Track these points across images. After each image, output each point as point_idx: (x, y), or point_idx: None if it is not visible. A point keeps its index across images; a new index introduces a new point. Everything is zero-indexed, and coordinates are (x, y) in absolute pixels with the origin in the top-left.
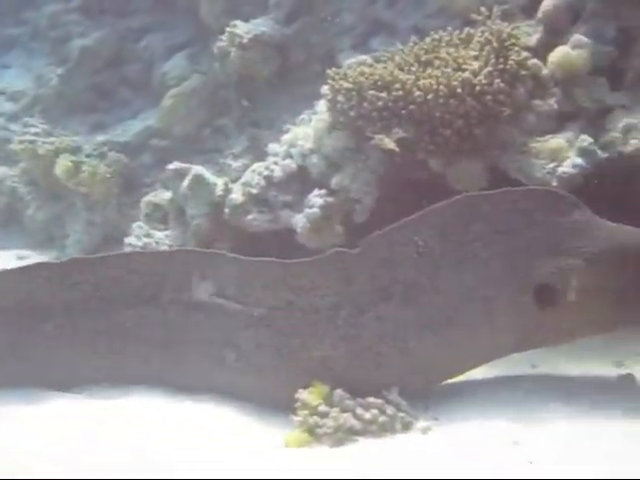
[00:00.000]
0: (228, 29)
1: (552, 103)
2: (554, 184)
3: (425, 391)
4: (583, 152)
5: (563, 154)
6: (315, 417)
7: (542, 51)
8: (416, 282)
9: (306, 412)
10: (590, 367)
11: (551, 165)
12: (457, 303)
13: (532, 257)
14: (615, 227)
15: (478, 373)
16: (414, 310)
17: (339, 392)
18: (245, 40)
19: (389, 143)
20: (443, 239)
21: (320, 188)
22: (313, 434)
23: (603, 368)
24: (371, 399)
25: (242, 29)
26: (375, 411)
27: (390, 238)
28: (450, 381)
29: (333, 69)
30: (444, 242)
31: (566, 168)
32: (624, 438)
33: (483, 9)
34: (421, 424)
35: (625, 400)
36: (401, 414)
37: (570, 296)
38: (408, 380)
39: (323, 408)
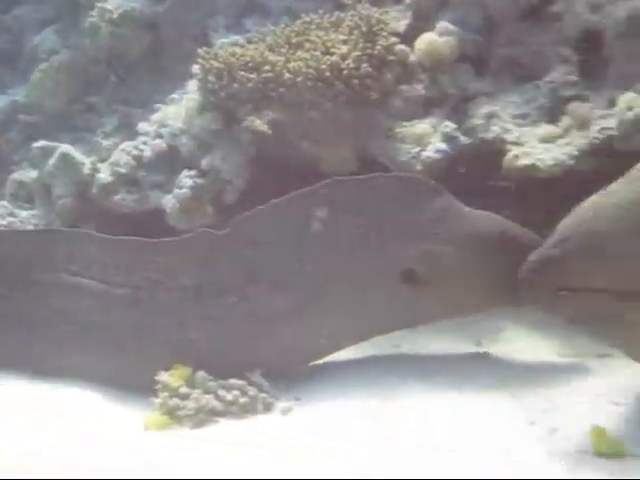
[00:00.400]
0: (98, 4)
1: (419, 89)
2: (418, 168)
3: (291, 372)
4: (446, 137)
5: (427, 139)
6: (176, 399)
7: (410, 37)
8: (284, 264)
9: (166, 394)
10: (449, 346)
11: (416, 150)
12: (325, 286)
13: (398, 241)
14: (475, 212)
15: (342, 354)
16: (281, 292)
17: (201, 374)
18: (115, 16)
19: (260, 125)
20: (309, 222)
21: (190, 169)
22: (174, 416)
23: (462, 347)
24: (233, 380)
25: (112, 4)
26: (237, 392)
27: (258, 220)
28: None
29: (204, 48)
30: (310, 225)
31: (430, 153)
32: (473, 412)
33: None
34: (282, 404)
35: (477, 376)
36: (263, 395)
37: (433, 279)
38: (274, 362)
39: (184, 390)
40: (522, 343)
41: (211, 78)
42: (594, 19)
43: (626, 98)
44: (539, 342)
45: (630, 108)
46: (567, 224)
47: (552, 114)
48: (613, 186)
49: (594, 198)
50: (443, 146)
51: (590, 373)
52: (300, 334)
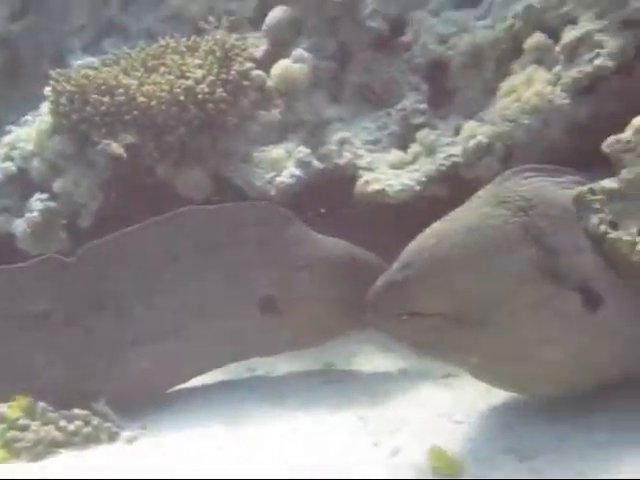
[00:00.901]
0: None
1: (275, 114)
2: (272, 193)
3: (139, 401)
4: (300, 163)
5: (282, 164)
6: (14, 431)
7: (268, 63)
8: (131, 295)
9: (4, 426)
10: (302, 369)
11: (270, 174)
12: (173, 316)
13: (252, 269)
14: (325, 239)
15: (195, 381)
16: (127, 323)
17: (42, 405)
18: None
19: (116, 148)
20: (162, 252)
21: (42, 192)
22: (11, 449)
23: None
24: (77, 410)
25: None
26: (79, 422)
27: (107, 248)
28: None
29: (57, 70)
30: (163, 255)
31: (284, 178)
32: (321, 434)
33: (212, 18)
34: (127, 434)
35: (327, 398)
36: (107, 424)
37: (288, 305)
38: (124, 391)
39: (23, 421)
40: (372, 365)
41: (63, 101)
42: (440, 50)
43: (469, 126)
44: (389, 364)
45: (473, 136)
46: (410, 250)
47: (403, 141)
48: (454, 213)
49: (437, 224)
50: (297, 171)
51: (435, 393)
52: (152, 363)
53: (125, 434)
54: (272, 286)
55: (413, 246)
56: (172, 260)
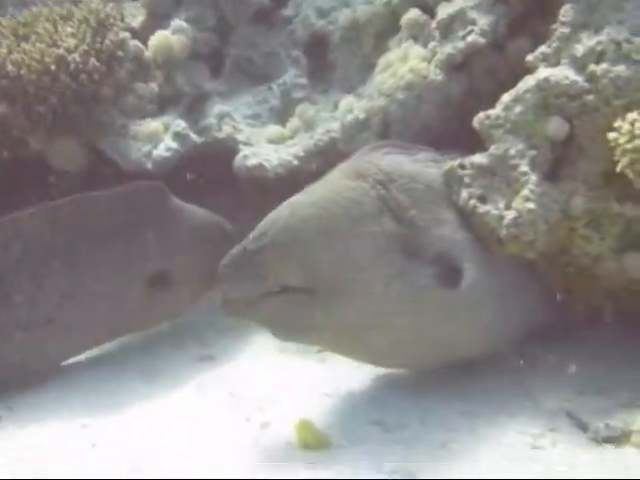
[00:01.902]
0: None
1: (153, 86)
2: (149, 166)
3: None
4: (177, 136)
5: (159, 137)
6: None
7: (145, 34)
8: (16, 281)
9: None
10: (177, 350)
11: (147, 147)
12: (59, 300)
13: (140, 248)
14: (194, 208)
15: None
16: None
17: None
18: None
19: None
20: (51, 237)
21: None
22: None
23: (189, 349)
24: None
25: None
26: None
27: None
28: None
29: None
30: (52, 240)
31: (161, 151)
32: (192, 411)
33: None
34: None
35: (200, 377)
36: None
37: (179, 276)
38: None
39: None
40: (248, 343)
41: None
42: (321, 24)
43: (347, 101)
44: (265, 340)
45: (350, 111)
46: (266, 220)
47: (282, 115)
48: (313, 185)
49: (296, 196)
50: (174, 144)
51: (306, 368)
52: (32, 345)
53: None
54: (159, 260)
55: (269, 216)
56: (60, 246)
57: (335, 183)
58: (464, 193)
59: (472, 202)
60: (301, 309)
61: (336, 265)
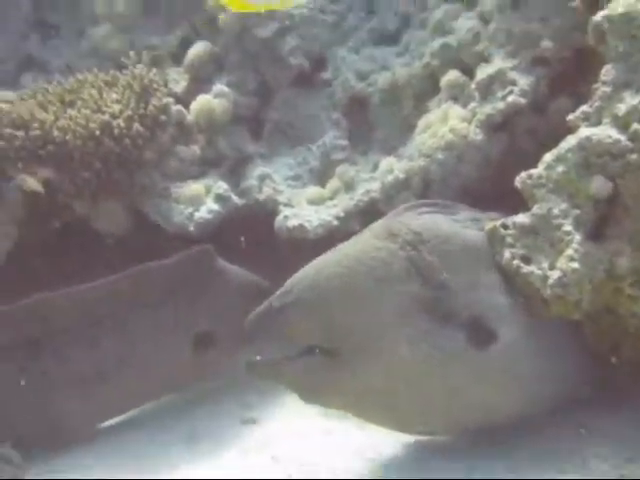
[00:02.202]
0: None
1: (195, 149)
2: (191, 229)
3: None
4: (219, 198)
5: (201, 200)
6: None
7: (188, 98)
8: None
9: None
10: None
11: (189, 210)
12: (115, 360)
13: (189, 311)
14: (236, 269)
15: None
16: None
17: None
18: None
19: (33, 184)
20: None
21: None
22: None
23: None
24: None
25: None
26: None
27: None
28: None
29: None
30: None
31: (202, 213)
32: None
33: (132, 53)
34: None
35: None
36: (9, 468)
37: (224, 337)
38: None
39: None
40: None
41: None
42: (360, 86)
43: (387, 162)
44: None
45: (390, 171)
46: (293, 278)
47: (322, 177)
48: (342, 244)
49: (324, 255)
50: (215, 206)
51: (350, 433)
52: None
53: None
54: (209, 321)
55: (296, 274)
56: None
57: (363, 242)
58: (507, 253)
59: (515, 262)
60: (325, 371)
61: (357, 325)
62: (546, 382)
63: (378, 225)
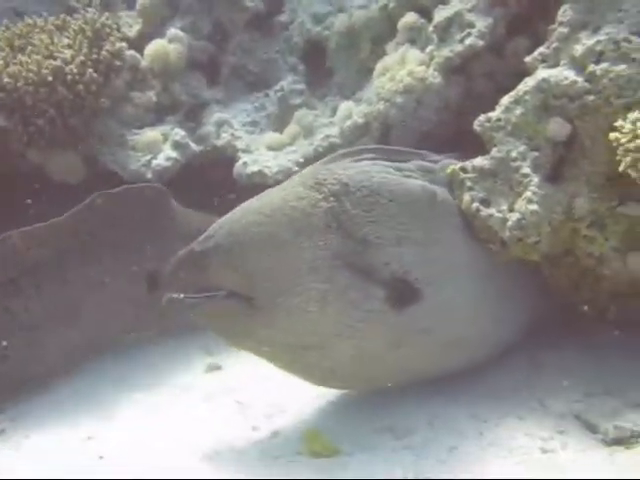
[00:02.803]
0: None
1: (150, 95)
2: (149, 176)
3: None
4: (176, 145)
5: (158, 147)
6: None
7: (141, 43)
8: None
9: None
10: (183, 357)
11: (147, 158)
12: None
13: (139, 247)
14: (193, 212)
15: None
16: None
17: None
18: None
19: None
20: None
21: None
22: None
23: (194, 357)
24: None
25: None
26: None
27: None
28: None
29: None
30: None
31: (160, 161)
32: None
33: None
34: None
35: (207, 385)
36: None
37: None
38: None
39: None
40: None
41: None
42: (317, 30)
43: (346, 106)
44: None
45: (349, 116)
46: (216, 223)
47: (280, 122)
48: (270, 190)
49: (250, 200)
50: (173, 154)
51: None
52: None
53: None
54: (155, 261)
55: (220, 219)
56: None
57: (289, 190)
58: (466, 196)
59: (475, 205)
60: (240, 317)
61: (272, 276)
62: (481, 343)
63: (308, 171)
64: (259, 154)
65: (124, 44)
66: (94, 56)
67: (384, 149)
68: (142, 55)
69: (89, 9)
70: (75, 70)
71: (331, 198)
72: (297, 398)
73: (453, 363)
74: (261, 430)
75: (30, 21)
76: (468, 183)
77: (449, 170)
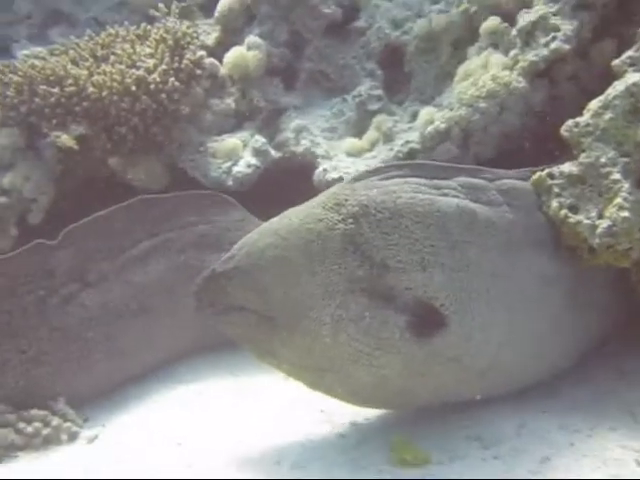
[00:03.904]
0: None
1: (229, 102)
2: (229, 183)
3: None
4: (257, 152)
5: (238, 154)
6: None
7: (220, 50)
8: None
9: None
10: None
11: (227, 164)
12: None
13: (200, 252)
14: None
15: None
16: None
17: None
18: None
19: (68, 140)
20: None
21: None
22: None
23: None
24: (34, 411)
25: None
26: (38, 424)
27: (85, 230)
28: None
29: (1, 62)
30: (131, 237)
31: (241, 168)
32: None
33: (161, 5)
34: (87, 433)
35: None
36: (67, 424)
37: None
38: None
39: None
40: None
41: (10, 92)
42: (395, 34)
43: (427, 111)
44: None
45: (430, 122)
46: (239, 243)
47: (359, 128)
48: (291, 209)
49: (270, 220)
50: (254, 160)
51: None
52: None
53: (85, 433)
54: None
55: (242, 240)
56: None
57: (308, 210)
58: (554, 203)
59: (563, 212)
60: (261, 333)
61: (288, 299)
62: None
63: (331, 191)
64: (338, 160)
65: (204, 52)
66: (175, 65)
67: (424, 165)
68: (220, 62)
69: (169, 18)
70: (158, 79)
71: (349, 220)
72: None
73: (498, 389)
74: (348, 438)
75: (112, 31)
76: (556, 189)
77: (535, 177)
